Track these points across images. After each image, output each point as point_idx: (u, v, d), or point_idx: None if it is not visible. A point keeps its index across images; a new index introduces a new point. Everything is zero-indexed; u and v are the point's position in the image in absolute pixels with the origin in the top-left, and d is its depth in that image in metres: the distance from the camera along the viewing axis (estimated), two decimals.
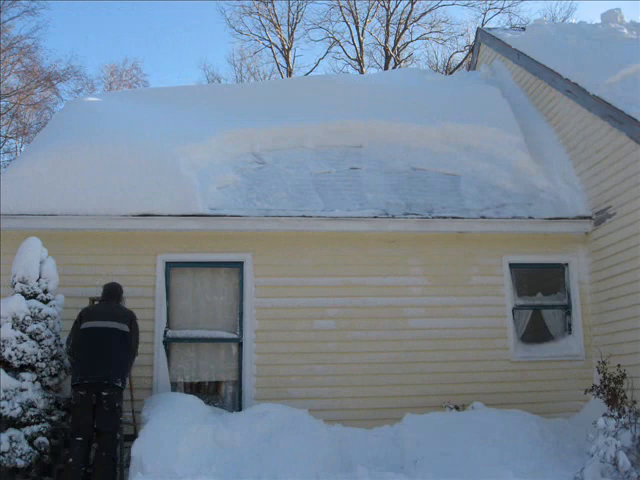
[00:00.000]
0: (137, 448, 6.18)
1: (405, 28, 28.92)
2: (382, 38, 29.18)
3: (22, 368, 6.26)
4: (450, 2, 29.22)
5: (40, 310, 6.49)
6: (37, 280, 6.65)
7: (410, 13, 28.69)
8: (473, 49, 13.68)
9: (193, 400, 7.07)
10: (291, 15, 29.63)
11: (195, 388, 7.82)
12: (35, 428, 6.03)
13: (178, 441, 6.23)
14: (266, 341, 7.77)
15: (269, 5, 29.31)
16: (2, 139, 25.63)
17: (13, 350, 6.22)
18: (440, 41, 29.45)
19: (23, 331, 6.34)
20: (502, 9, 28.36)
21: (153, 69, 43.24)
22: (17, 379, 6.15)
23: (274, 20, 29.41)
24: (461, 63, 27.51)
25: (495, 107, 9.72)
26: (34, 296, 6.56)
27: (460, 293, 8.16)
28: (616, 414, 6.31)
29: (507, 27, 17.05)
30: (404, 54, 29.36)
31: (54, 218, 7.49)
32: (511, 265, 8.35)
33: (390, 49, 28.28)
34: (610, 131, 7.76)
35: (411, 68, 25.98)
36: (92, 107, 9.43)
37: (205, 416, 6.83)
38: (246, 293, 7.88)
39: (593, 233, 8.26)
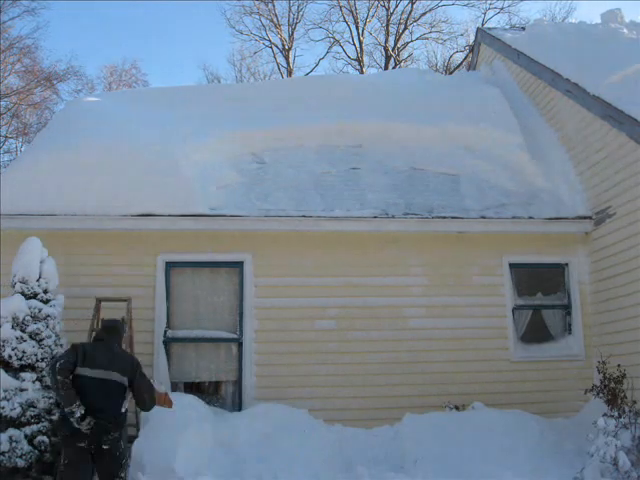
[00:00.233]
0: (137, 448, 6.19)
1: (405, 28, 28.92)
2: (382, 38, 29.21)
3: (22, 368, 6.26)
4: (450, 2, 29.23)
5: (40, 310, 6.49)
6: (37, 280, 6.65)
7: (410, 13, 28.71)
8: (473, 49, 13.69)
9: (193, 400, 7.07)
10: (291, 15, 29.66)
11: (195, 388, 7.83)
12: (35, 428, 6.03)
13: (178, 441, 6.24)
14: (266, 341, 7.77)
15: (269, 5, 29.34)
16: (2, 139, 25.65)
17: (13, 350, 6.22)
18: (440, 41, 29.47)
19: (23, 331, 6.34)
20: (502, 9, 28.37)
21: (153, 69, 43.25)
22: (17, 379, 6.15)
23: (274, 20, 29.42)
24: (461, 63, 27.51)
25: (495, 107, 9.73)
26: (34, 296, 6.57)
27: (460, 293, 8.16)
28: (616, 414, 6.32)
29: (507, 27, 17.05)
30: (404, 54, 29.37)
31: (54, 218, 7.49)
32: (511, 265, 8.35)
33: (390, 49, 28.28)
34: (610, 131, 7.76)
35: (411, 68, 25.99)
36: (92, 107, 9.44)
37: (205, 416, 6.83)
38: (246, 293, 7.88)
39: (593, 233, 8.26)
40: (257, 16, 29.56)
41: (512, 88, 10.60)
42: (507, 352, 8.11)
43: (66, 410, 5.01)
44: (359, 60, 28.89)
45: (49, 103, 26.69)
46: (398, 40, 28.78)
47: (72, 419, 4.98)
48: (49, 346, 6.42)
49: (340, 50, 29.95)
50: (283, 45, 29.58)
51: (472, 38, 20.93)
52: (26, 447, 5.91)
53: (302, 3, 29.66)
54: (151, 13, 43.97)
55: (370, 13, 28.84)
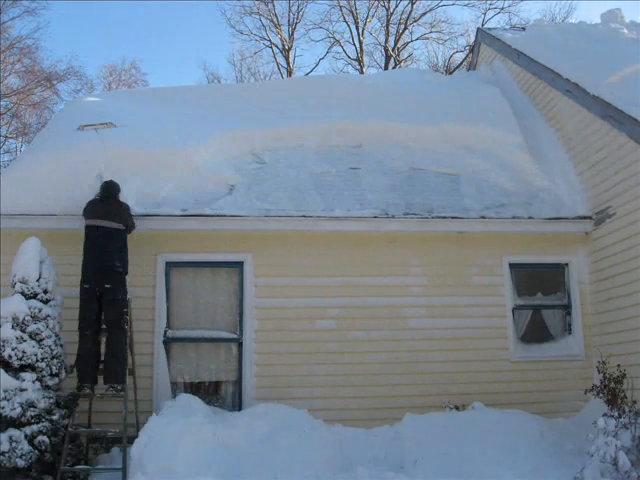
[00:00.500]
0: (137, 448, 6.19)
1: (405, 28, 28.93)
2: (382, 38, 29.21)
3: (22, 368, 6.27)
4: (450, 2, 29.25)
5: (40, 310, 6.50)
6: (37, 280, 6.65)
7: (410, 13, 28.72)
8: (473, 49, 13.69)
9: (193, 400, 7.07)
10: (291, 15, 29.68)
11: (195, 388, 7.82)
12: (35, 428, 6.03)
13: (178, 441, 6.24)
14: (266, 341, 7.77)
15: (269, 5, 29.35)
16: (2, 139, 25.65)
17: (13, 350, 6.22)
18: (440, 41, 29.48)
19: (23, 331, 6.34)
20: (502, 9, 28.39)
21: (153, 69, 43.26)
22: (17, 379, 6.15)
23: (274, 20, 29.43)
24: (461, 63, 27.51)
25: (495, 107, 9.73)
26: (34, 296, 6.57)
27: (460, 293, 8.16)
28: (616, 414, 6.32)
29: (507, 27, 17.04)
30: (404, 54, 29.38)
31: (54, 218, 7.49)
32: (511, 265, 8.35)
33: (390, 49, 28.27)
34: (610, 131, 7.76)
35: (411, 68, 25.99)
36: (92, 107, 9.43)
37: (205, 416, 6.82)
38: (246, 293, 7.88)
39: (593, 233, 8.26)
40: (257, 16, 29.62)
41: (512, 88, 10.60)
42: (507, 352, 8.11)
43: None
44: (359, 60, 28.90)
45: (49, 103, 26.73)
46: (398, 40, 28.79)
47: None
48: (49, 346, 6.41)
49: (340, 50, 30.01)
50: (283, 45, 29.60)
51: (472, 38, 20.95)
52: (26, 447, 5.91)
53: (302, 3, 29.70)
54: (151, 13, 44.04)
55: (370, 13, 28.89)
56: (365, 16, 28.83)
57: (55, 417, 6.23)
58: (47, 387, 6.37)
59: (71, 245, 7.34)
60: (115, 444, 6.97)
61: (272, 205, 7.98)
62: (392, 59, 28.15)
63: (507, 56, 11.15)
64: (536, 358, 8.17)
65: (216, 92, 10.95)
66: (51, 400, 6.28)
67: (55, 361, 6.46)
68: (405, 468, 6.51)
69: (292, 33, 29.71)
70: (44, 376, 6.34)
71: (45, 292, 6.68)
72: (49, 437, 6.09)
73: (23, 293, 6.52)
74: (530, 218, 8.22)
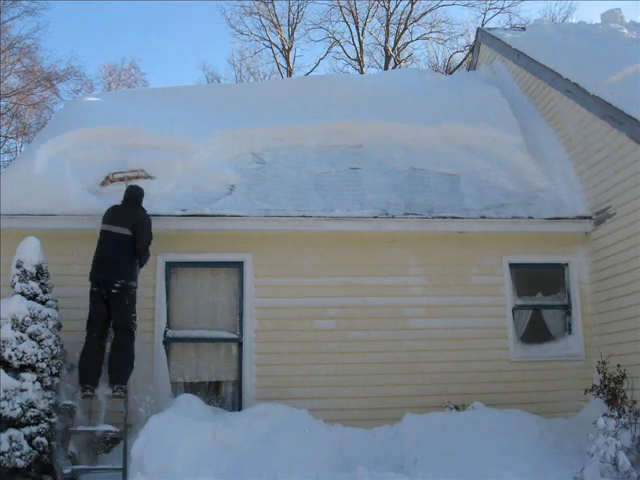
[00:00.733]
0: (137, 448, 6.19)
1: (405, 28, 28.93)
2: (382, 38, 29.21)
3: (22, 368, 6.26)
4: (450, 2, 29.25)
5: (40, 311, 6.49)
6: (37, 280, 6.65)
7: (410, 13, 28.72)
8: (473, 49, 13.68)
9: (193, 400, 7.07)
10: (291, 15, 29.67)
11: (195, 388, 7.82)
12: (35, 428, 6.03)
13: (178, 441, 6.24)
14: (266, 341, 7.77)
15: (269, 5, 29.34)
16: (2, 139, 25.65)
17: (13, 350, 6.22)
18: (440, 41, 29.48)
19: (23, 332, 6.33)
20: (502, 9, 28.39)
21: (153, 69, 43.27)
22: (17, 379, 6.15)
23: (274, 20, 29.43)
24: (461, 63, 27.51)
25: (495, 107, 9.73)
26: (34, 297, 6.57)
27: (460, 293, 8.16)
28: (616, 414, 6.31)
29: (507, 27, 17.05)
30: (404, 54, 29.38)
31: (53, 218, 7.49)
32: (511, 265, 8.35)
33: (390, 49, 28.27)
34: (610, 131, 7.76)
35: (411, 68, 26.00)
36: (91, 107, 9.42)
37: (205, 416, 6.83)
38: (246, 293, 7.88)
39: (593, 233, 8.26)
40: (257, 16, 29.61)
41: (512, 88, 10.60)
42: (507, 352, 8.11)
43: None
44: (359, 60, 28.90)
45: (49, 103, 26.72)
46: (398, 40, 28.80)
47: None
48: (49, 346, 6.41)
49: (340, 50, 30.00)
50: (283, 45, 29.60)
51: (472, 38, 20.95)
52: (26, 447, 5.91)
53: (302, 3, 29.70)
54: (151, 13, 44.03)
55: (370, 13, 28.89)
56: (365, 16, 28.87)
57: (54, 419, 6.23)
58: (47, 387, 6.37)
59: (71, 245, 7.35)
60: (115, 444, 6.97)
61: (272, 205, 7.98)
62: (392, 59, 28.15)
63: (507, 56, 11.15)
64: (536, 358, 8.17)
65: (216, 92, 10.94)
66: (51, 401, 6.27)
67: (55, 361, 6.46)
68: (405, 468, 6.51)
69: (292, 33, 29.74)
70: (44, 377, 6.34)
71: (45, 292, 6.68)
72: (48, 438, 6.09)
73: (23, 293, 6.51)
74: (530, 218, 8.22)
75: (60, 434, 6.30)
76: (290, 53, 29.62)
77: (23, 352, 6.24)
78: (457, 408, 7.50)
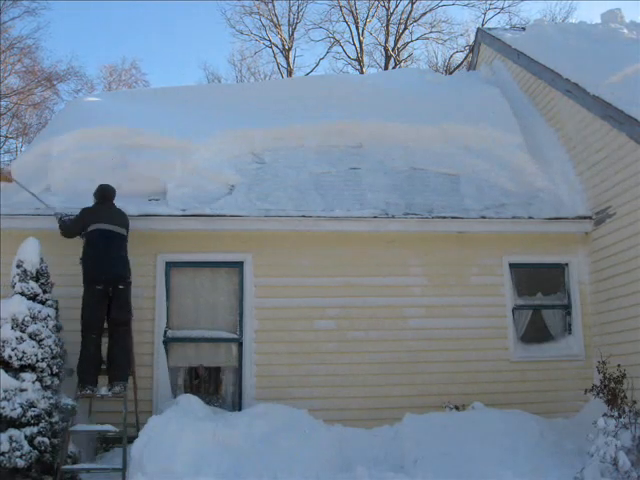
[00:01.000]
0: (137, 448, 6.19)
1: (405, 28, 28.93)
2: (382, 38, 29.21)
3: (22, 368, 6.26)
4: (450, 2, 29.26)
5: (40, 311, 6.49)
6: (37, 280, 6.65)
7: (410, 13, 28.72)
8: (473, 49, 13.68)
9: (193, 400, 7.07)
10: (291, 15, 29.68)
11: (195, 388, 7.83)
12: (35, 428, 6.03)
13: (178, 441, 6.24)
14: (266, 341, 7.77)
15: (269, 5, 29.34)
16: (2, 139, 25.64)
17: (13, 350, 6.22)
18: (440, 41, 29.48)
19: (23, 331, 6.34)
20: (502, 9, 28.40)
21: (153, 69, 43.29)
22: (17, 379, 6.15)
23: (274, 20, 29.43)
24: (461, 63, 27.50)
25: (495, 107, 9.72)
26: (34, 297, 6.57)
27: (460, 293, 8.16)
28: (616, 414, 6.31)
29: (507, 27, 17.05)
30: (404, 54, 29.38)
31: (53, 218, 7.48)
32: (511, 265, 8.35)
33: (390, 49, 28.27)
34: (610, 131, 7.76)
35: (411, 68, 25.99)
36: (92, 107, 9.42)
37: (205, 416, 6.83)
38: (246, 293, 7.88)
39: (593, 233, 8.26)
40: (257, 16, 29.62)
41: (512, 88, 10.60)
42: (507, 352, 8.11)
43: None
44: (359, 60, 28.90)
45: (49, 103, 26.73)
46: (398, 40, 28.80)
47: None
48: (49, 346, 6.41)
49: (340, 50, 30.00)
50: (283, 45, 29.60)
51: (472, 38, 20.89)
52: (26, 447, 5.91)
53: (302, 3, 29.70)
54: (151, 13, 44.06)
55: (370, 13, 28.90)
56: (365, 16, 28.87)
57: (55, 419, 6.23)
58: (47, 387, 6.37)
59: (71, 245, 7.34)
60: (115, 444, 6.97)
61: (272, 205, 7.98)
62: (392, 59, 28.15)
63: (507, 56, 11.14)
64: (536, 358, 8.17)
65: (216, 92, 10.94)
66: (51, 401, 6.27)
67: (55, 361, 6.46)
68: (405, 468, 6.51)
69: (292, 33, 29.74)
70: (44, 376, 6.34)
71: (45, 292, 6.68)
72: (49, 437, 6.09)
73: (23, 293, 6.52)
74: (530, 218, 8.22)
75: (60, 434, 6.29)
76: (290, 53, 29.63)
77: (23, 352, 6.24)
78: (457, 408, 7.50)
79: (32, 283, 6.60)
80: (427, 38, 29.62)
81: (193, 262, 7.98)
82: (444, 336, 8.00)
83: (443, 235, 8.22)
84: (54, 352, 6.45)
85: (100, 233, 7.02)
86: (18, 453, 5.83)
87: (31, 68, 25.71)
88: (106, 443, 7.07)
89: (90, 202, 7.36)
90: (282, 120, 9.29)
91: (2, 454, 5.78)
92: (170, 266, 7.89)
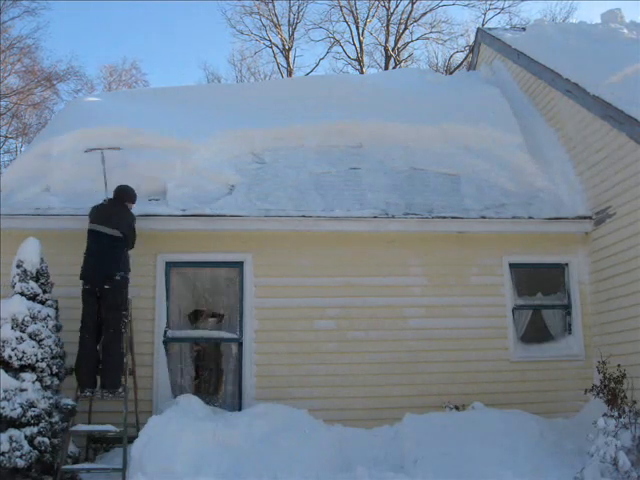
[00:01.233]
0: (137, 448, 6.19)
1: (405, 28, 28.93)
2: (382, 38, 29.20)
3: (22, 368, 6.27)
4: (450, 2, 29.26)
5: (40, 311, 6.50)
6: (37, 281, 6.66)
7: (410, 13, 28.71)
8: (473, 49, 13.68)
9: (193, 400, 7.07)
10: (292, 15, 29.67)
11: (195, 388, 7.83)
12: (35, 428, 6.03)
13: (178, 441, 6.24)
14: (266, 341, 7.77)
15: (270, 5, 29.34)
16: (2, 139, 25.65)
17: (13, 350, 6.22)
18: (440, 41, 29.47)
19: (23, 331, 6.34)
20: (502, 9, 28.38)
21: (153, 69, 43.26)
22: (17, 379, 6.15)
23: (274, 20, 29.43)
24: (461, 63, 27.50)
25: (495, 107, 9.72)
26: (34, 297, 6.57)
27: (460, 293, 8.16)
28: (616, 414, 6.31)
29: (507, 27, 17.06)
30: (404, 54, 29.37)
31: (53, 218, 7.49)
32: (511, 265, 8.35)
33: (390, 49, 28.28)
34: (610, 131, 7.76)
35: (411, 68, 25.99)
36: (92, 107, 9.42)
37: (205, 416, 6.83)
38: (246, 293, 7.88)
39: (593, 233, 8.26)
40: (257, 16, 29.61)
41: (512, 88, 10.60)
42: (507, 352, 8.11)
43: None
44: (359, 60, 28.90)
45: (49, 103, 26.73)
46: (398, 40, 28.79)
47: None
48: (49, 346, 6.42)
49: (340, 50, 29.99)
50: (283, 45, 29.60)
51: (472, 38, 20.89)
52: (26, 447, 5.91)
53: (302, 3, 29.69)
54: (151, 13, 44.04)
55: (370, 13, 28.89)
56: (365, 16, 28.87)
57: (55, 419, 6.24)
58: (47, 387, 6.37)
59: (71, 245, 7.35)
60: (115, 444, 6.97)
61: (272, 205, 7.98)
62: (392, 59, 28.15)
63: (507, 56, 11.14)
64: (536, 358, 8.17)
65: (216, 92, 10.94)
66: (51, 401, 6.28)
67: (55, 361, 6.46)
68: (405, 468, 6.51)
69: (292, 33, 29.73)
70: (44, 376, 6.34)
71: (45, 292, 6.68)
72: (49, 437, 6.09)
73: (23, 293, 6.52)
74: (530, 218, 8.22)
75: (60, 434, 6.30)
76: (290, 53, 29.63)
77: (23, 352, 6.25)
78: (457, 408, 7.50)
79: (32, 283, 6.60)
80: (427, 38, 29.65)
81: (193, 262, 7.98)
82: (444, 336, 8.00)
83: (443, 235, 8.21)
84: (54, 352, 6.46)
85: (92, 234, 7.02)
86: (18, 453, 5.84)
87: (31, 68, 25.73)
88: (106, 443, 7.06)
89: (90, 202, 7.36)
90: (282, 120, 9.29)
91: (2, 454, 5.79)
92: (170, 266, 7.88)
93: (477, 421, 7.02)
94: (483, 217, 8.15)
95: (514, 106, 9.86)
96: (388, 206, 8.15)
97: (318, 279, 7.98)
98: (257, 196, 8.10)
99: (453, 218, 8.09)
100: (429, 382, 7.83)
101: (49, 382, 6.38)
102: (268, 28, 29.52)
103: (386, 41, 28.74)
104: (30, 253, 6.70)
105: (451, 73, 25.33)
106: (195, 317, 8.05)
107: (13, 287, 6.59)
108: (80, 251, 7.15)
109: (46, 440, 6.05)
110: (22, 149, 25.50)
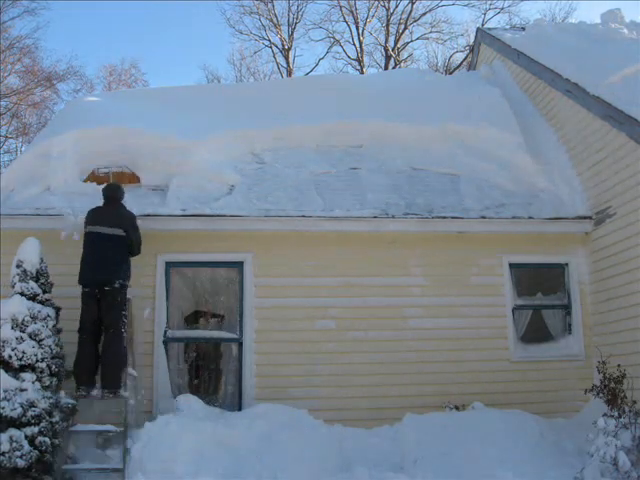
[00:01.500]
0: (137, 448, 6.19)
1: (405, 28, 28.92)
2: (382, 38, 29.20)
3: (22, 368, 6.26)
4: (450, 2, 29.24)
5: (40, 310, 6.49)
6: (37, 281, 6.65)
7: (410, 13, 28.71)
8: (473, 49, 13.68)
9: (193, 400, 7.07)
10: (291, 15, 29.66)
11: (195, 388, 7.83)
12: (35, 428, 6.02)
13: (178, 441, 6.24)
14: (266, 341, 7.77)
15: (269, 5, 29.33)
16: (2, 139, 25.65)
17: (13, 350, 6.22)
18: (440, 41, 29.47)
19: (23, 331, 6.33)
20: (502, 9, 28.36)
21: (153, 69, 43.25)
22: (17, 379, 6.14)
23: (274, 20, 29.42)
24: (461, 63, 27.51)
25: (495, 107, 9.73)
26: (34, 297, 6.57)
27: (460, 293, 8.16)
28: (616, 414, 6.31)
29: (507, 27, 17.05)
30: (404, 54, 29.38)
31: (54, 218, 7.49)
32: (511, 265, 8.35)
33: (390, 49, 28.28)
34: (610, 131, 7.76)
35: (411, 68, 26.00)
36: (92, 107, 9.43)
37: (205, 416, 6.83)
38: (246, 293, 7.88)
39: (593, 233, 8.26)
40: (257, 16, 29.60)
41: (512, 88, 10.60)
42: (507, 352, 8.11)
43: None
44: (359, 60, 28.90)
45: (49, 103, 26.73)
46: (398, 40, 28.79)
47: None
48: (49, 346, 6.41)
49: (340, 50, 29.99)
50: (283, 45, 29.59)
51: (472, 38, 20.89)
52: (26, 447, 5.91)
53: (302, 3, 29.69)
54: (151, 13, 44.00)
55: (370, 13, 28.89)
56: (365, 16, 28.87)
57: (55, 419, 6.23)
58: (47, 387, 6.37)
59: (71, 245, 7.34)
60: (115, 444, 6.96)
61: (272, 205, 7.98)
62: (392, 59, 28.15)
63: (507, 56, 11.14)
64: (536, 358, 8.17)
65: (216, 92, 10.95)
66: (51, 401, 6.27)
67: (55, 361, 6.46)
68: (405, 468, 6.51)
69: (292, 33, 29.73)
70: (44, 376, 6.34)
71: (44, 292, 6.68)
72: (49, 437, 6.09)
73: (23, 293, 6.51)
74: (530, 218, 8.22)
75: (61, 434, 6.29)
76: (290, 53, 29.62)
77: (23, 352, 6.24)
78: (457, 408, 7.50)
79: (32, 283, 6.60)
80: (427, 38, 29.65)
81: (193, 262, 7.98)
82: (444, 336, 8.00)
83: (443, 235, 8.21)
84: (54, 352, 6.45)
85: (89, 235, 6.99)
86: (18, 453, 5.83)
87: (31, 68, 25.73)
88: (106, 443, 7.05)
89: (90, 202, 7.36)
90: (282, 120, 9.29)
91: (2, 454, 5.78)
92: (170, 266, 7.88)
93: (477, 421, 7.03)
94: (483, 217, 8.15)
95: (514, 106, 9.86)
96: (388, 206, 8.15)
97: (318, 279, 7.98)
98: (257, 196, 8.10)
99: (453, 218, 8.09)
100: (429, 382, 7.82)
101: (49, 382, 6.38)
102: (268, 28, 29.56)
103: (386, 41, 28.74)
104: (30, 253, 6.69)
105: (451, 73, 25.34)
106: (195, 317, 8.05)
107: (13, 287, 6.59)
108: (80, 252, 7.15)
109: (46, 440, 6.04)
110: (22, 149, 25.49)
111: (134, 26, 42.78)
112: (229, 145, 8.75)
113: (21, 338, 6.29)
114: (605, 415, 6.29)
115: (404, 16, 28.71)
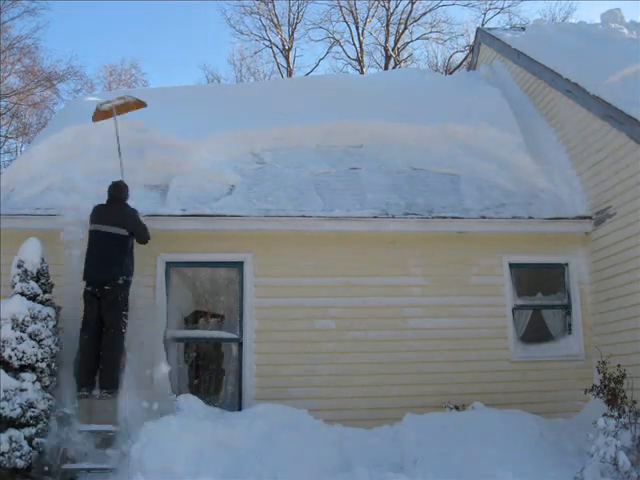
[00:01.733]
0: (137, 448, 6.19)
1: (405, 28, 28.93)
2: (382, 38, 29.22)
3: (22, 368, 6.26)
4: (450, 2, 29.24)
5: (40, 311, 6.50)
6: (37, 281, 6.65)
7: (410, 13, 28.72)
8: (473, 49, 13.68)
9: (193, 400, 7.07)
10: (291, 15, 29.68)
11: (195, 388, 7.82)
12: (34, 429, 6.02)
13: (178, 441, 6.24)
14: (266, 341, 7.77)
15: (269, 5, 29.35)
16: (2, 139, 25.65)
17: (13, 350, 6.22)
18: (440, 41, 29.48)
19: (23, 332, 6.34)
20: (502, 9, 28.37)
21: (153, 69, 43.32)
22: (17, 379, 6.15)
23: (274, 20, 29.43)
24: (461, 63, 27.51)
25: (495, 107, 9.73)
26: (34, 297, 6.57)
27: (460, 293, 8.16)
28: (616, 414, 6.31)
29: (507, 27, 17.06)
30: (404, 54, 29.39)
31: (54, 218, 7.48)
32: (511, 265, 8.35)
33: (390, 49, 28.28)
34: (610, 131, 7.76)
35: (411, 68, 25.98)
36: (92, 107, 9.40)
37: (205, 416, 6.83)
38: (246, 293, 7.88)
39: (593, 233, 8.26)
40: (257, 16, 29.63)
41: (512, 88, 10.60)
42: (507, 352, 8.11)
43: None
44: (359, 60, 28.90)
45: (49, 103, 26.74)
46: (398, 40, 28.80)
47: None
48: (49, 346, 6.42)
49: (340, 50, 30.00)
50: (283, 45, 29.60)
51: (472, 38, 20.90)
52: (26, 447, 5.91)
53: (302, 3, 29.70)
54: (151, 13, 44.02)
55: (370, 13, 28.91)
56: (365, 16, 28.88)
57: (54, 420, 6.23)
58: (46, 388, 6.37)
59: (71, 246, 7.34)
60: (115, 444, 6.96)
61: (272, 205, 7.98)
62: (392, 59, 28.15)
63: (507, 56, 11.14)
64: (536, 358, 8.17)
65: (216, 92, 10.95)
66: (50, 401, 6.27)
67: (55, 361, 6.46)
68: (405, 468, 6.51)
69: (292, 33, 29.74)
70: (44, 376, 6.34)
71: (45, 292, 6.68)
72: (48, 438, 6.09)
73: (23, 293, 6.52)
74: (530, 218, 8.22)
75: (60, 434, 6.29)
76: (290, 53, 29.63)
77: (23, 352, 6.24)
78: (457, 408, 7.50)
79: (32, 283, 6.60)
80: (427, 38, 29.66)
81: (193, 262, 7.98)
82: (444, 336, 8.00)
83: (443, 235, 8.21)
84: (54, 352, 6.45)
85: (94, 234, 7.03)
86: (18, 453, 5.84)
87: (31, 68, 25.73)
88: (106, 443, 7.05)
89: (89, 202, 7.36)
90: (282, 120, 9.29)
91: (2, 454, 5.79)
92: (170, 266, 7.88)
93: (477, 421, 7.02)
94: (483, 217, 8.15)
95: (514, 106, 9.86)
96: (388, 206, 8.15)
97: (318, 279, 7.98)
98: (257, 196, 8.10)
99: (453, 218, 8.09)
100: (429, 382, 7.82)
101: (49, 382, 6.38)
102: (268, 28, 29.57)
103: (386, 41, 28.75)
104: (31, 253, 6.70)
105: (451, 73, 25.34)
106: (195, 317, 8.05)
107: (13, 287, 6.59)
108: (80, 252, 7.15)
109: (46, 440, 6.04)
110: (22, 149, 25.49)
111: (134, 26, 42.82)
112: (229, 145, 8.75)
113: (21, 338, 6.29)
114: (605, 415, 6.29)
115: (404, 16, 28.76)
